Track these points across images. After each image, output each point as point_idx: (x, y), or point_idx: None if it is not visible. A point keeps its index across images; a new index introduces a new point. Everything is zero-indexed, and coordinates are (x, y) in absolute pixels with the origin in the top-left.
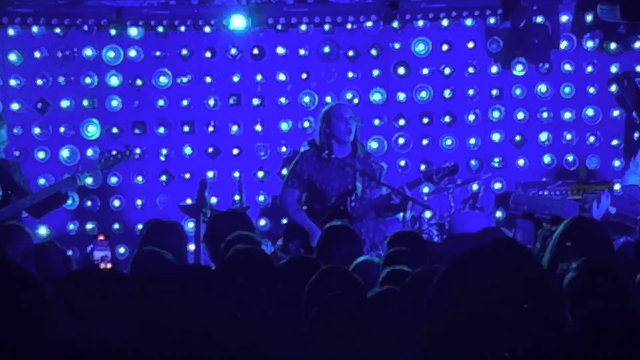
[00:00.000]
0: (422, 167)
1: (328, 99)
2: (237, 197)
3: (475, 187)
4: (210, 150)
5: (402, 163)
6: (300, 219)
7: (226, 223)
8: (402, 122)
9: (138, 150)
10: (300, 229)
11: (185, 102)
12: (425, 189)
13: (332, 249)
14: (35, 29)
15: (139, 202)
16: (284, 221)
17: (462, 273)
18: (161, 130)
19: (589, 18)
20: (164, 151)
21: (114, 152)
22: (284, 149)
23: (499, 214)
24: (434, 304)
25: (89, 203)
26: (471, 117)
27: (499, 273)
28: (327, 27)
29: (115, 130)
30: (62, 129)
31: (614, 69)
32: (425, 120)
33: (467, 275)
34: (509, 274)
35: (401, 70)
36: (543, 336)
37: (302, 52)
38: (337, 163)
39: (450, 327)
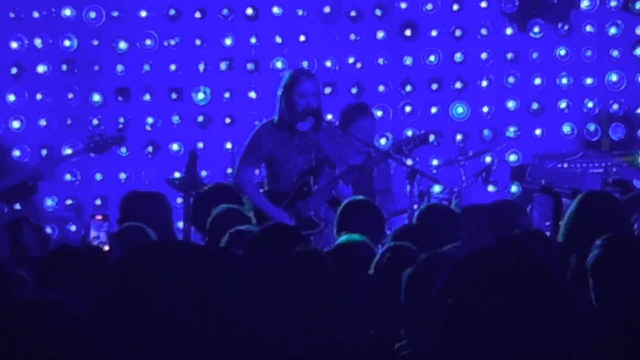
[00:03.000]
0: (432, 137)
1: (328, 64)
2: (229, 170)
3: (488, 159)
4: (200, 119)
5: (409, 133)
6: (259, 201)
7: (212, 200)
8: (408, 88)
9: (122, 120)
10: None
11: (172, 67)
12: (435, 161)
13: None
14: None
15: (122, 175)
16: None
17: (464, 275)
18: (146, 97)
19: None
20: (150, 120)
21: (106, 137)
22: None
23: (514, 188)
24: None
25: (68, 177)
26: (484, 83)
27: (503, 275)
28: None
29: (96, 97)
30: (38, 96)
31: (639, 30)
32: (434, 86)
33: (470, 277)
34: (513, 276)
35: (408, 32)
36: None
37: (300, 12)
38: (299, 137)
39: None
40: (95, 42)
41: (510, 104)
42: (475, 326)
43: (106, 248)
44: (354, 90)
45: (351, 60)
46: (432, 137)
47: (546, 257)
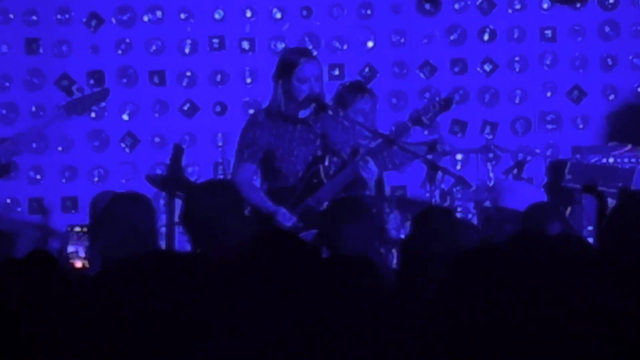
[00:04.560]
0: (456, 130)
1: (337, 45)
2: (220, 166)
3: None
4: (186, 107)
5: (424, 104)
6: (257, 199)
7: (208, 197)
8: (428, 71)
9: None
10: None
11: (153, 47)
12: (459, 156)
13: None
14: None
15: (95, 172)
16: None
17: (470, 272)
18: (124, 81)
19: None
20: (127, 109)
21: (87, 92)
22: None
23: None
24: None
25: (31, 173)
26: (516, 65)
27: (513, 273)
28: None
29: (64, 82)
30: None
31: None
32: (457, 68)
33: (476, 275)
34: (524, 274)
35: (427, 5)
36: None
37: None
38: (299, 126)
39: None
40: (62, 17)
41: (547, 89)
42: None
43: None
44: (365, 73)
45: (361, 38)
46: (454, 100)
47: (574, 264)
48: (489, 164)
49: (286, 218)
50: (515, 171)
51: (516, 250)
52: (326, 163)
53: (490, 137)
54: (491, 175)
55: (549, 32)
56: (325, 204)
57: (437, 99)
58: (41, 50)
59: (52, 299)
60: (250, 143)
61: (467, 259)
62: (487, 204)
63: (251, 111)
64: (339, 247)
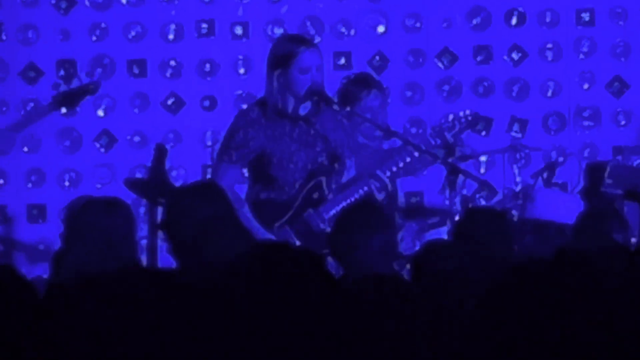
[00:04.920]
0: (479, 127)
1: (343, 30)
2: (209, 169)
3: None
4: (170, 102)
5: (450, 118)
6: (241, 216)
7: (193, 202)
8: (447, 59)
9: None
10: None
11: (132, 33)
12: (483, 158)
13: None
14: None
15: (66, 177)
16: None
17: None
18: (98, 72)
19: None
20: (103, 104)
21: (73, 87)
22: None
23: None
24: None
25: None
26: (548, 53)
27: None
28: None
29: (30, 73)
30: None
31: None
32: (481, 57)
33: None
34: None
35: None
36: None
37: None
38: (299, 125)
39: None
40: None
41: (584, 81)
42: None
43: None
44: (375, 63)
45: (371, 22)
46: (479, 119)
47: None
48: (515, 166)
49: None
50: (545, 175)
51: (563, 265)
52: (331, 172)
53: (519, 135)
54: (518, 179)
55: (586, 15)
56: (326, 223)
57: (463, 113)
58: (4, 37)
59: (13, 321)
60: (240, 144)
61: (518, 275)
62: (515, 212)
63: (244, 106)
64: (354, 264)
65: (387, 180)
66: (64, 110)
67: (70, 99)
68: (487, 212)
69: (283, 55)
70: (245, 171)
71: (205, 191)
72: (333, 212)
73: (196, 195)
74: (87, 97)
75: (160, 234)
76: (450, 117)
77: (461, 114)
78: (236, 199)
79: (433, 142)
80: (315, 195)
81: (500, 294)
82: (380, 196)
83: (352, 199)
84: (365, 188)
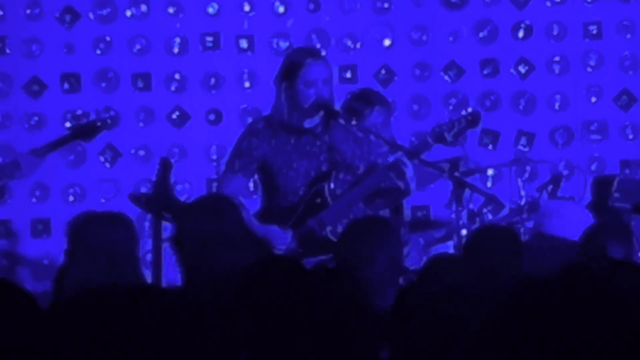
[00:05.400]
0: (486, 141)
1: (349, 43)
2: (214, 183)
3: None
4: (175, 115)
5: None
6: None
7: (207, 216)
8: (454, 73)
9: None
10: None
11: (137, 46)
12: (490, 171)
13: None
14: None
15: (71, 191)
16: None
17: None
18: (103, 85)
19: None
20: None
21: (93, 119)
22: None
23: None
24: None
25: None
26: (555, 66)
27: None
28: None
29: (34, 86)
30: None
31: None
32: (488, 70)
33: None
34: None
35: None
36: None
37: None
38: (304, 137)
39: None
40: (32, 12)
41: (591, 94)
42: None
43: None
44: (381, 76)
45: (377, 35)
46: (479, 117)
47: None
48: (519, 179)
49: (279, 239)
50: (550, 188)
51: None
52: (332, 181)
53: (526, 149)
54: (522, 193)
55: (593, 28)
56: (330, 228)
57: (464, 112)
58: (8, 50)
59: (14, 338)
60: (243, 152)
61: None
62: (520, 227)
63: (250, 120)
64: (360, 279)
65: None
66: (79, 141)
67: (88, 131)
68: (496, 229)
69: (289, 68)
70: (252, 183)
71: (214, 205)
72: (331, 216)
73: (205, 209)
74: (103, 131)
75: (165, 248)
76: (449, 118)
77: (463, 112)
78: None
79: (432, 142)
80: (318, 201)
81: (506, 312)
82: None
83: (355, 197)
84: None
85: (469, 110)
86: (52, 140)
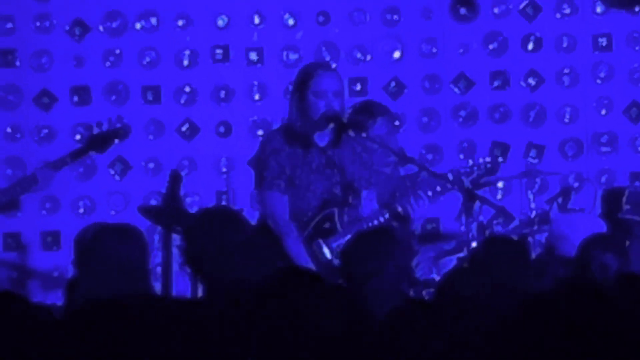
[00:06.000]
0: (496, 153)
1: (358, 55)
2: (224, 196)
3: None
4: (185, 128)
5: (469, 164)
6: (294, 248)
7: (216, 229)
8: (463, 85)
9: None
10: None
11: (147, 59)
12: (500, 184)
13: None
14: None
15: (81, 204)
16: None
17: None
18: (113, 98)
19: None
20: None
21: (106, 129)
22: None
23: None
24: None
25: None
26: (565, 78)
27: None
28: None
29: (44, 99)
30: None
31: None
32: (497, 82)
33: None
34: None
35: (462, 10)
36: None
37: None
38: (317, 155)
39: None
40: (42, 25)
41: (601, 106)
42: None
43: None
44: (390, 89)
45: (386, 47)
46: (498, 166)
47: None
48: (529, 191)
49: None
50: (560, 200)
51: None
52: (343, 206)
53: (536, 161)
54: (533, 205)
55: (603, 41)
56: (334, 254)
57: (482, 160)
58: (18, 63)
59: (24, 349)
60: (277, 171)
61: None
62: (530, 239)
63: (260, 132)
64: (369, 291)
65: (409, 209)
66: (93, 153)
67: (101, 142)
68: (506, 240)
69: (301, 78)
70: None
71: (224, 216)
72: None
73: (216, 220)
74: (116, 141)
75: (174, 261)
76: (470, 162)
77: (480, 160)
78: (291, 231)
79: (450, 187)
80: (327, 226)
81: (514, 325)
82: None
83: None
84: (379, 220)
85: (487, 159)
86: (66, 153)
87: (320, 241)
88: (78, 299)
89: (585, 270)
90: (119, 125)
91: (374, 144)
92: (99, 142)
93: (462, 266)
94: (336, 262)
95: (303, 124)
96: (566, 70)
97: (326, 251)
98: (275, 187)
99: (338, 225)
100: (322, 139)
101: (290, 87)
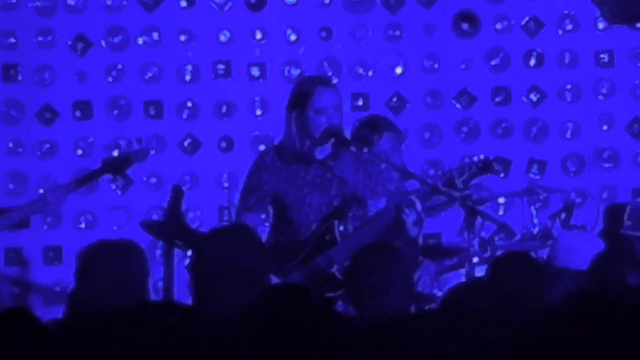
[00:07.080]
0: (496, 167)
1: (360, 71)
2: (226, 211)
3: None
4: (187, 143)
5: (462, 163)
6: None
7: (226, 244)
8: (465, 101)
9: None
10: None
11: (149, 74)
12: (501, 199)
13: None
14: None
15: (82, 218)
16: None
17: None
18: (115, 113)
19: None
20: (119, 144)
21: (124, 151)
22: None
23: None
24: None
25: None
26: (567, 94)
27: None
28: None
29: (46, 114)
30: None
31: None
32: (499, 98)
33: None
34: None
35: (465, 26)
36: None
37: None
38: (314, 168)
39: None
40: (44, 39)
41: (603, 122)
42: None
43: None
44: (392, 104)
45: (389, 63)
46: (494, 165)
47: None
48: (532, 207)
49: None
50: (563, 216)
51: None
52: (343, 217)
53: (538, 177)
54: (535, 221)
55: (605, 57)
56: (337, 267)
57: (475, 159)
58: (20, 78)
59: None
60: (255, 188)
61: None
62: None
63: (262, 147)
64: (374, 307)
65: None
66: (111, 176)
67: (119, 165)
68: (519, 255)
69: (300, 95)
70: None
71: (234, 236)
72: (341, 254)
73: (226, 239)
74: (134, 164)
75: (176, 276)
76: (465, 161)
77: (474, 159)
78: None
79: (442, 188)
80: (327, 238)
81: (529, 339)
82: (410, 226)
83: (366, 236)
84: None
85: (481, 157)
86: (82, 175)
87: (321, 254)
88: (78, 314)
89: (601, 285)
90: (138, 146)
91: (375, 159)
92: (117, 165)
93: (475, 279)
94: (338, 275)
95: (302, 140)
96: (568, 86)
97: (328, 264)
98: (243, 202)
99: (338, 238)
100: (321, 152)
101: (288, 104)
